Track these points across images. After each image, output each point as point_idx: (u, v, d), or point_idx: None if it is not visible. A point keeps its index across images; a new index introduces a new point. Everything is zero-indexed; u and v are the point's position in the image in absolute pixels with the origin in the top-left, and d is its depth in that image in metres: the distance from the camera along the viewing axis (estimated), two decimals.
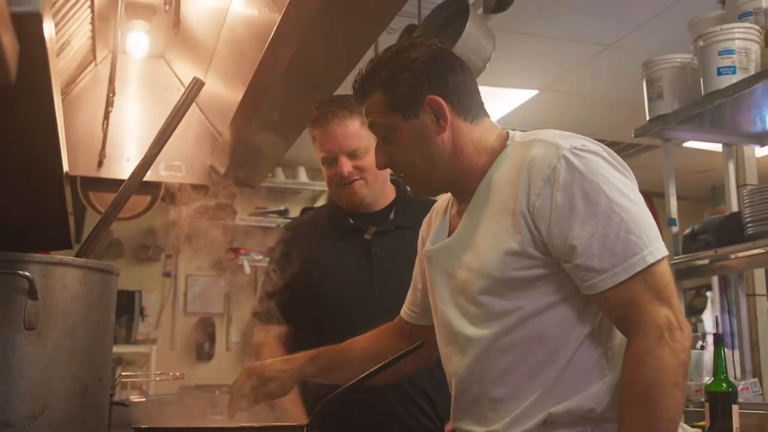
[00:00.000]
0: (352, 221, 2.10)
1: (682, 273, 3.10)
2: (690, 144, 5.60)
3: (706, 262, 3.07)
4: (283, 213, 6.29)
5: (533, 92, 5.02)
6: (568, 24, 4.01)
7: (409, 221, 2.06)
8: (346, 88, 2.49)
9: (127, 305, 5.60)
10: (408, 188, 1.48)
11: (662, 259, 1.29)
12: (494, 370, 1.37)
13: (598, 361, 1.34)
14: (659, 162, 3.41)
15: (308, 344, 1.94)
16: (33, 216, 1.77)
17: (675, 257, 3.06)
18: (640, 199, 1.33)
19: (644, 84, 3.13)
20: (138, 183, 1.48)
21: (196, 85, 1.43)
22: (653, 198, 4.67)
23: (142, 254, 6.19)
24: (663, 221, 3.11)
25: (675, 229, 3.15)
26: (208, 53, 3.43)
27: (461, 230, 1.47)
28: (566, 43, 4.25)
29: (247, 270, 5.97)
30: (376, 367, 1.45)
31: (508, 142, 1.45)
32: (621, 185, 1.32)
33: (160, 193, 4.23)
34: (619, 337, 1.35)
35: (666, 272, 1.29)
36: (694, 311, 6.48)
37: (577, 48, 4.32)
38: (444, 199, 1.61)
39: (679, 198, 3.25)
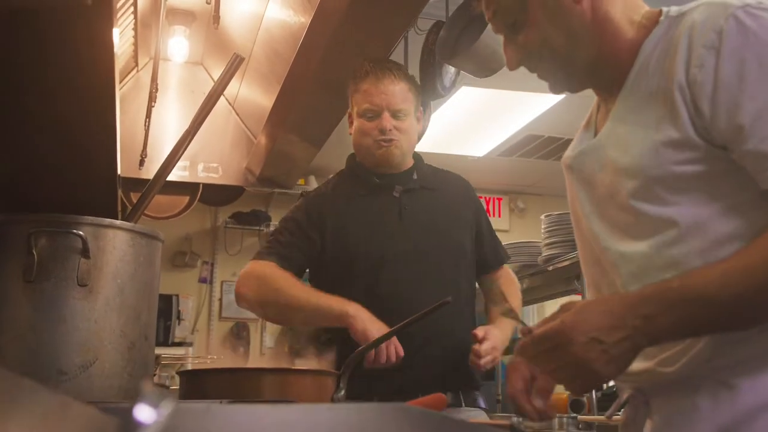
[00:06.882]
0: (377, 180, 2.15)
1: None
2: None
3: None
4: None
5: (561, 96, 5.04)
6: None
7: (432, 184, 2.17)
8: None
9: (165, 309, 5.73)
10: None
11: None
12: None
13: None
14: None
15: None
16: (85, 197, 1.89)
17: None
18: None
19: None
20: (185, 148, 1.58)
21: (237, 61, 1.53)
22: None
23: (179, 261, 6.34)
24: None
25: None
26: (245, 57, 3.55)
27: (608, 127, 1.25)
28: None
29: None
30: (406, 321, 1.51)
31: (662, 18, 1.21)
32: None
33: (198, 194, 4.35)
34: None
35: None
36: None
37: None
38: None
39: None
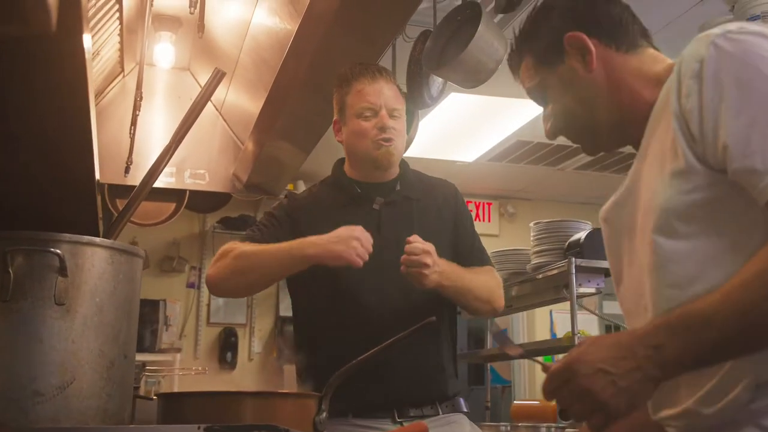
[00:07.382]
0: (359, 190, 2.09)
1: None
2: None
3: None
4: None
5: None
6: None
7: (415, 193, 2.11)
8: None
9: (152, 314, 5.69)
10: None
11: None
12: None
13: None
14: None
15: (312, 316, 2.02)
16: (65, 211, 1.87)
17: None
18: None
19: None
20: (170, 156, 1.55)
21: (218, 76, 1.51)
22: None
23: (167, 265, 6.30)
24: None
25: None
26: (232, 63, 3.53)
27: (631, 174, 1.28)
28: None
29: None
30: (389, 341, 1.47)
31: (675, 67, 1.21)
32: None
33: (184, 201, 4.32)
34: None
35: None
36: None
37: None
38: None
39: None
